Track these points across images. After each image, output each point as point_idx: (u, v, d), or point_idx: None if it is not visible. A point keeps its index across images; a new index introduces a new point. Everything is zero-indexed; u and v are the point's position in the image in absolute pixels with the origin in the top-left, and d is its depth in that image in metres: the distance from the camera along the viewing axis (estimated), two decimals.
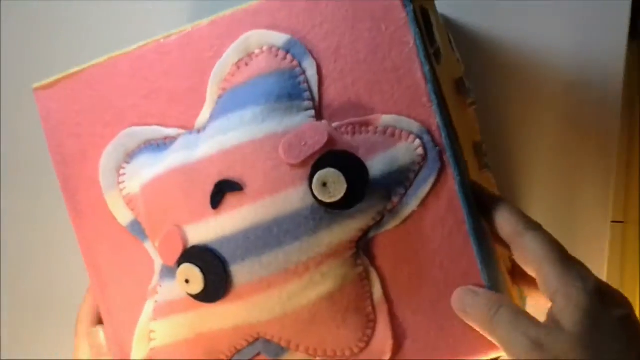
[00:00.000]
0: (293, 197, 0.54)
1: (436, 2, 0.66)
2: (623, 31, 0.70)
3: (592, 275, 0.52)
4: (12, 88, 0.77)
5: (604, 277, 0.75)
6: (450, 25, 0.73)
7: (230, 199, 0.55)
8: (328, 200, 0.53)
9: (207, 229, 0.55)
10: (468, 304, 0.54)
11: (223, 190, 0.55)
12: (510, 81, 0.73)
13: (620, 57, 0.71)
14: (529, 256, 0.53)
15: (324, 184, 0.53)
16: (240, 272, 0.55)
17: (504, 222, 0.54)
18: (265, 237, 0.54)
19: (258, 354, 0.58)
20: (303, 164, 0.54)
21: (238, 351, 0.58)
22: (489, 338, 0.53)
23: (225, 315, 0.56)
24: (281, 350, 0.57)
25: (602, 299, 0.51)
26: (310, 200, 0.54)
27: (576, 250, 0.73)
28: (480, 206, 0.55)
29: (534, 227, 0.54)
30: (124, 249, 0.60)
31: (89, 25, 0.76)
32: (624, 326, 0.51)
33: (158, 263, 0.59)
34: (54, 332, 0.75)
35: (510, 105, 0.73)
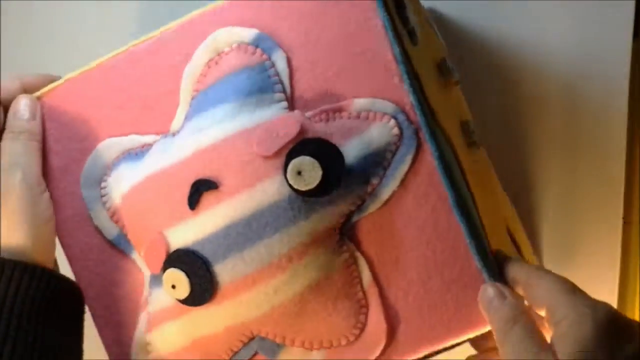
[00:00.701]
0: (269, 189, 0.53)
1: (437, 3, 0.67)
2: (627, 31, 0.70)
3: (606, 304, 0.49)
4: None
5: (616, 277, 0.74)
6: (452, 25, 0.73)
7: (207, 198, 0.54)
8: (304, 189, 0.53)
9: (188, 231, 0.55)
10: (493, 306, 0.52)
11: (199, 190, 0.54)
12: (515, 82, 0.72)
13: (625, 56, 0.70)
14: (539, 291, 0.51)
15: (299, 173, 0.53)
16: (224, 271, 0.54)
17: (516, 272, 0.53)
18: (245, 233, 0.53)
19: (255, 354, 0.57)
20: (277, 155, 0.53)
21: (235, 353, 0.57)
22: (497, 346, 0.51)
23: (215, 317, 0.56)
24: (277, 347, 0.56)
25: (611, 332, 0.47)
26: (286, 190, 0.53)
27: (587, 251, 0.72)
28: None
29: (543, 268, 0.53)
30: (113, 264, 0.60)
31: (88, 25, 0.76)
32: None
33: (147, 274, 0.59)
34: None
35: (515, 107, 0.72)
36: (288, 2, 0.56)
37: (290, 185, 0.53)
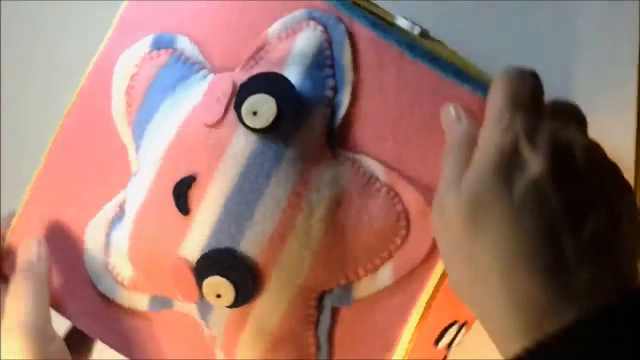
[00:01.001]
0: (239, 146, 0.51)
1: (438, 2, 0.67)
2: (634, 32, 0.69)
3: (523, 126, 0.43)
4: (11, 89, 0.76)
5: None
6: (452, 28, 0.71)
7: (193, 194, 0.52)
8: (267, 124, 0.51)
9: (196, 236, 0.52)
10: (449, 128, 0.49)
11: (182, 192, 0.52)
12: None
13: (631, 59, 0.69)
14: (488, 101, 0.46)
15: (254, 113, 0.51)
16: (249, 245, 0.51)
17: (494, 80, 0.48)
18: (243, 198, 0.51)
19: (334, 311, 0.53)
20: (226, 114, 0.52)
21: (316, 323, 0.53)
22: None
23: (273, 299, 0.52)
24: (346, 289, 0.53)
25: (514, 158, 0.43)
26: (254, 137, 0.51)
27: None
28: None
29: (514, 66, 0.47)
30: (164, 331, 0.57)
31: (88, 25, 0.74)
32: (523, 196, 0.42)
33: (196, 314, 0.56)
34: None
35: None
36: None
37: (255, 130, 0.51)
